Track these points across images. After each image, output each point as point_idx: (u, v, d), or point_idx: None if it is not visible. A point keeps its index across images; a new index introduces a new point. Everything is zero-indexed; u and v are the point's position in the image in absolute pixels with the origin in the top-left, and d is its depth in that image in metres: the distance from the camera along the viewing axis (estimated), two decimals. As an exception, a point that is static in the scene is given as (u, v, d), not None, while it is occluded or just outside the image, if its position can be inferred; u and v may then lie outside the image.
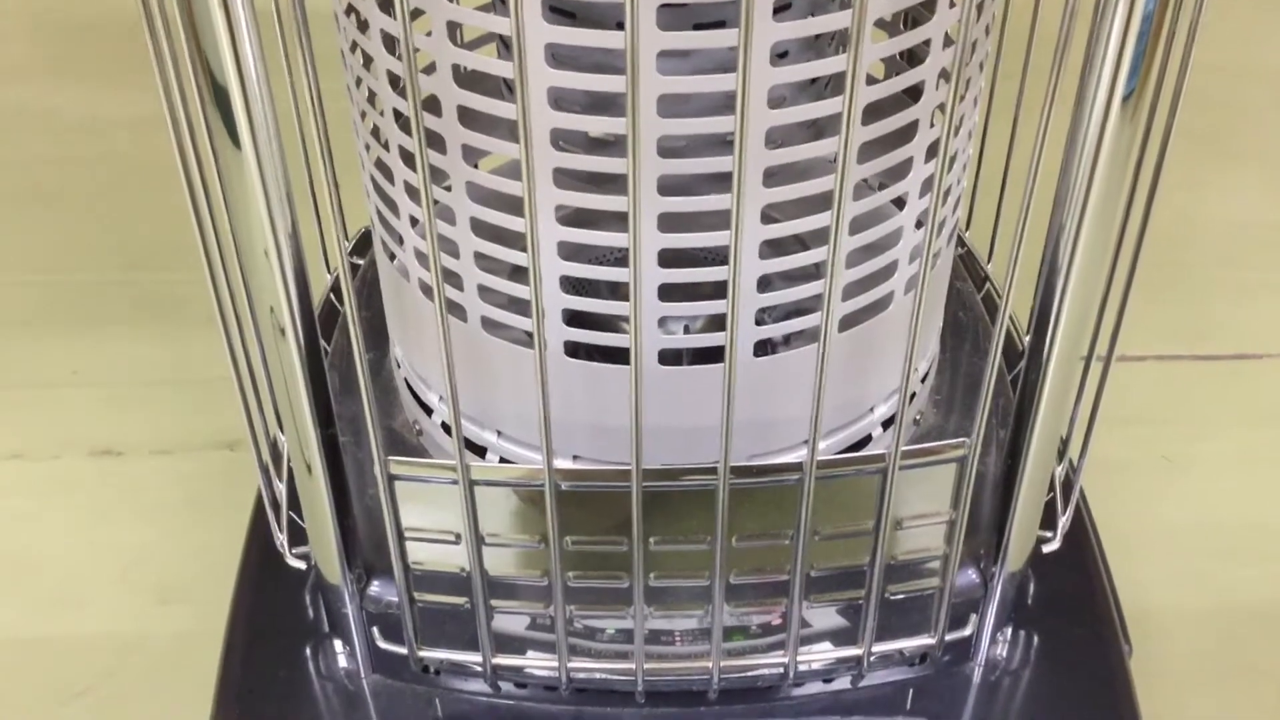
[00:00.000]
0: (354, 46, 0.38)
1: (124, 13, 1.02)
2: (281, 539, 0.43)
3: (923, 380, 0.45)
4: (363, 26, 0.36)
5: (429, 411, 0.44)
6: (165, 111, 0.36)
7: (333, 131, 0.32)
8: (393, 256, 0.42)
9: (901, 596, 0.42)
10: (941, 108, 0.36)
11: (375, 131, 0.39)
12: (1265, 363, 0.73)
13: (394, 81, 0.36)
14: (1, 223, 0.83)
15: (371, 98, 0.38)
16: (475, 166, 0.36)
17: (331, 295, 0.53)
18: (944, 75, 0.36)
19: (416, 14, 0.32)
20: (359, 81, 0.38)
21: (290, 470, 0.43)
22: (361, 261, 0.55)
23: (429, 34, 0.33)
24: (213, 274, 0.39)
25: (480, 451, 0.42)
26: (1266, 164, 0.89)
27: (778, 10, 0.32)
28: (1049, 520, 0.44)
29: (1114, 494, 0.64)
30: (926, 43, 0.34)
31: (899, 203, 0.38)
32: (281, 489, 0.44)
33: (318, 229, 0.52)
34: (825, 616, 0.43)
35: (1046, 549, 0.44)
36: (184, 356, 0.72)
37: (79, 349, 0.74)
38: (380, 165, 0.39)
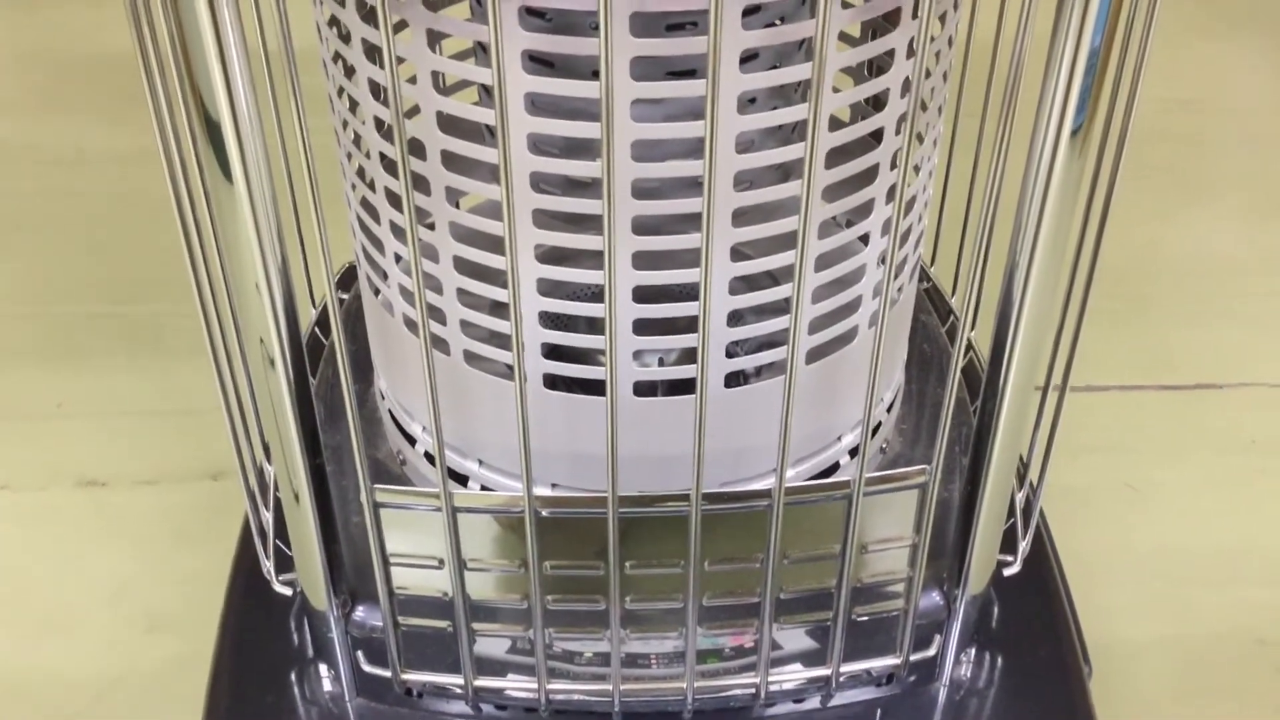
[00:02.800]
0: (340, 92, 0.39)
1: (109, 48, 1.04)
2: (268, 566, 0.44)
3: (888, 410, 0.47)
4: (349, 72, 0.38)
5: (412, 441, 0.45)
6: (159, 146, 0.37)
7: (317, 166, 0.33)
8: (377, 292, 0.43)
9: (868, 618, 0.43)
10: (897, 157, 0.38)
11: (361, 172, 0.40)
12: (1225, 392, 0.75)
13: (380, 126, 0.38)
14: (-13, 256, 0.84)
15: (357, 140, 0.40)
16: (457, 206, 0.38)
17: (316, 329, 0.55)
18: (903, 120, 0.38)
19: (401, 60, 0.34)
20: (345, 124, 0.40)
21: (276, 499, 0.44)
22: (345, 296, 0.56)
23: (413, 79, 0.35)
24: (203, 306, 0.40)
25: (462, 480, 0.44)
26: (1226, 197, 0.92)
27: (744, 60, 0.34)
28: (1010, 545, 0.45)
29: (1079, 520, 0.66)
30: (885, 91, 0.36)
31: (863, 241, 0.40)
32: (268, 517, 0.45)
33: (303, 263, 0.53)
34: (795, 638, 0.44)
35: (1007, 572, 0.45)
36: (168, 388, 0.73)
37: (65, 381, 0.75)
38: (366, 205, 0.41)
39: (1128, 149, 0.39)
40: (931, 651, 0.45)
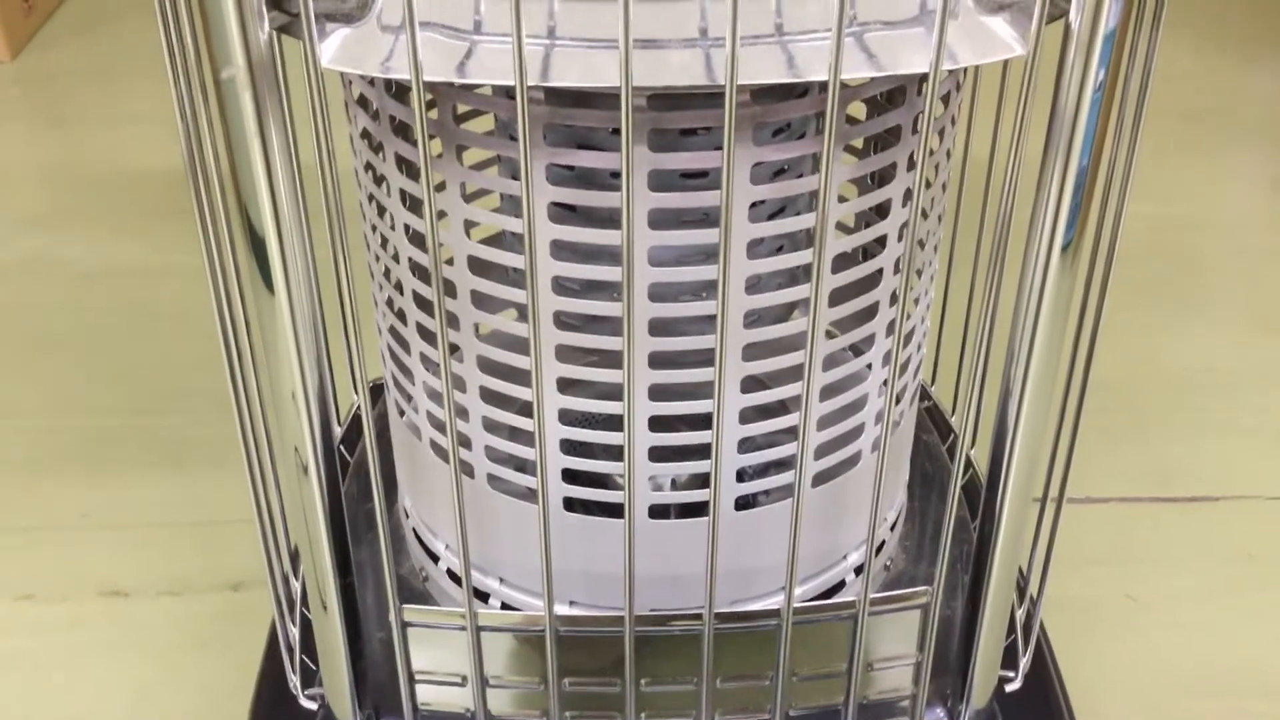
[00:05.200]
0: (374, 229, 0.42)
1: (137, 166, 1.07)
2: (294, 680, 0.46)
3: (891, 529, 0.49)
4: (380, 211, 0.41)
5: (435, 558, 0.47)
6: (204, 258, 0.38)
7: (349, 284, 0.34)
8: (402, 413, 0.46)
9: (874, 734, 0.45)
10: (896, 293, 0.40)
11: (390, 303, 0.43)
12: (1222, 504, 0.77)
13: (412, 266, 0.40)
14: (13, 368, 0.87)
15: (388, 273, 0.42)
16: (477, 334, 0.40)
17: (340, 447, 0.57)
18: (900, 261, 0.40)
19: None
20: (377, 258, 0.43)
21: (302, 613, 0.46)
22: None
23: (441, 213, 0.38)
24: (239, 416, 0.41)
25: (483, 597, 0.45)
26: (1220, 310, 0.94)
27: (752, 207, 0.36)
28: (1012, 660, 0.47)
29: (1079, 632, 0.67)
30: (884, 236, 0.39)
31: (866, 370, 0.42)
32: (294, 632, 0.47)
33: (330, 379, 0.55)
34: (804, 753, 0.45)
35: (1009, 688, 0.47)
36: (190, 499, 0.75)
37: (88, 491, 0.76)
38: (395, 334, 0.43)
39: (1117, 264, 0.41)
40: (936, 766, 0.47)
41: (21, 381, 0.86)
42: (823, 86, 0.30)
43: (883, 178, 0.39)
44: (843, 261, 0.39)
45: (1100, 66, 0.32)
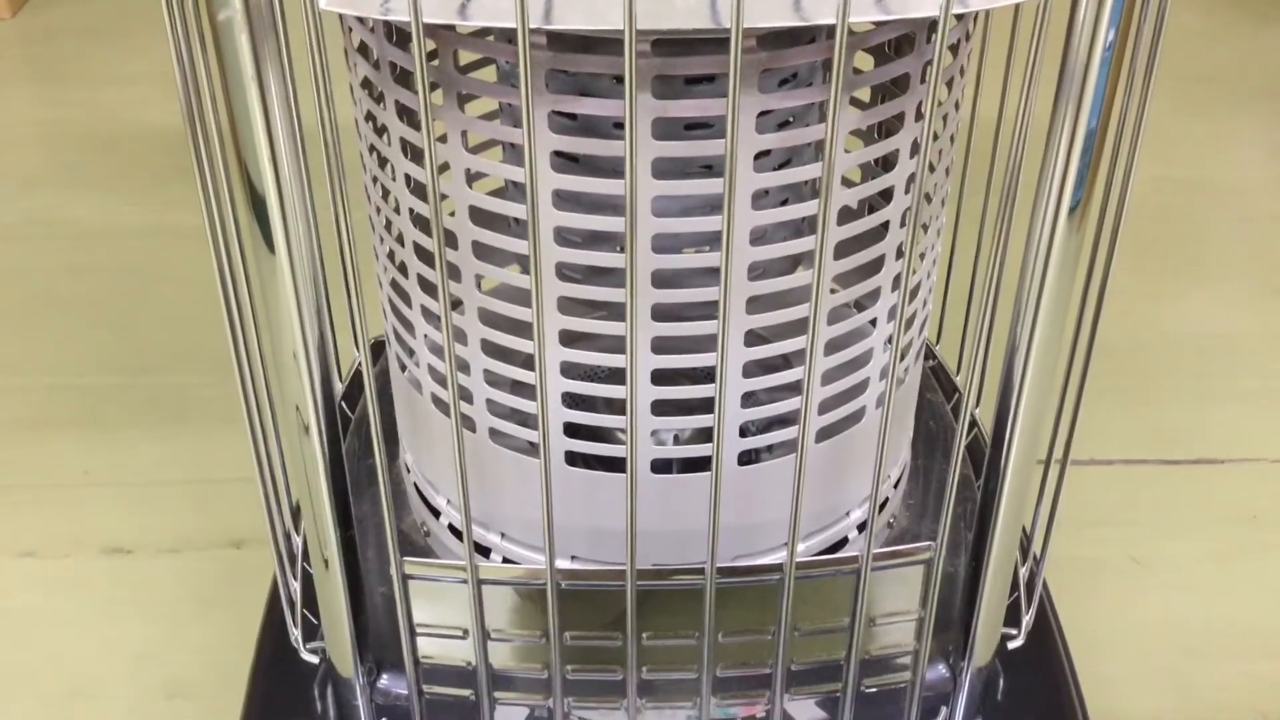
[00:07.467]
0: (375, 180, 0.42)
1: (138, 125, 1.07)
2: (296, 635, 0.46)
3: (895, 486, 0.49)
4: (382, 163, 0.40)
5: (436, 513, 0.47)
6: (204, 217, 0.38)
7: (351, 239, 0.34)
8: (404, 368, 0.45)
9: (876, 690, 0.45)
10: (902, 247, 0.40)
11: (391, 255, 0.42)
12: (1225, 467, 0.77)
13: (413, 216, 0.40)
14: (16, 327, 0.87)
15: (389, 225, 0.42)
16: (479, 288, 0.40)
17: (342, 403, 0.56)
18: (907, 213, 0.40)
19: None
20: (378, 210, 0.42)
21: (304, 568, 0.46)
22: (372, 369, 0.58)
23: (444, 166, 0.37)
24: (241, 375, 0.42)
25: (485, 552, 0.45)
26: (1225, 274, 0.94)
27: (757, 158, 0.36)
28: (1015, 618, 0.47)
29: (1083, 593, 0.67)
30: (891, 188, 0.38)
31: (871, 326, 0.42)
32: (295, 586, 0.47)
33: (331, 337, 0.54)
34: (805, 709, 0.45)
35: (1012, 645, 0.47)
36: (192, 457, 0.75)
37: (90, 450, 0.76)
38: (396, 287, 0.43)
39: (1125, 226, 0.41)
40: (938, 722, 0.47)
41: (23, 340, 0.85)
42: (830, 32, 0.29)
43: (889, 129, 0.38)
44: (848, 214, 0.38)
45: (1111, 26, 0.32)
